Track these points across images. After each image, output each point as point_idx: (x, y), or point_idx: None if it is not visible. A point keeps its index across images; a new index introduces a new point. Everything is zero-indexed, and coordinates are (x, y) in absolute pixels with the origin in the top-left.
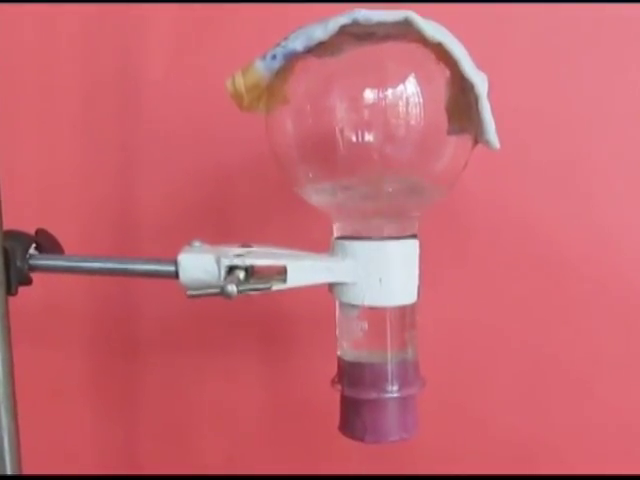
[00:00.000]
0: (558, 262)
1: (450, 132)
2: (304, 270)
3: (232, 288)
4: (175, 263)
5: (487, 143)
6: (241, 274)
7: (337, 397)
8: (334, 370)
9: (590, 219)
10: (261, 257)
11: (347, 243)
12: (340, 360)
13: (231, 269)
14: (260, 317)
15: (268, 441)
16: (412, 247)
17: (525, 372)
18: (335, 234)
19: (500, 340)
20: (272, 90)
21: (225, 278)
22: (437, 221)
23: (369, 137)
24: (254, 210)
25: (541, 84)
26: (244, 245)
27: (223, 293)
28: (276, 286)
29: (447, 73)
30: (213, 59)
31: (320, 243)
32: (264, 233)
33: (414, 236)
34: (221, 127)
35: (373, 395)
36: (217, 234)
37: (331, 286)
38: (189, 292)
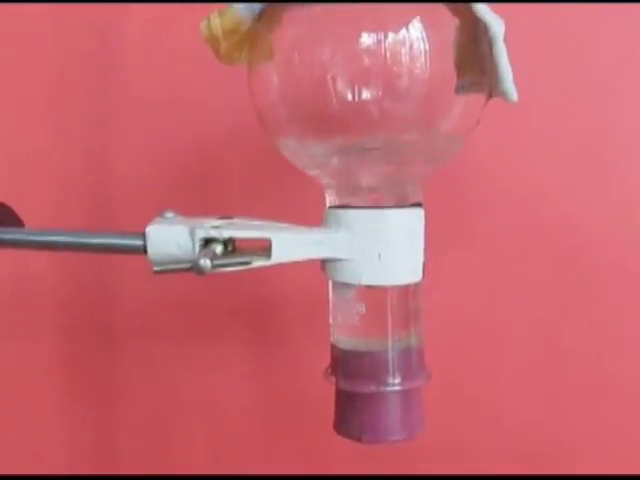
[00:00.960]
0: (577, 244)
1: (459, 90)
2: (291, 244)
3: (205, 262)
4: (143, 236)
5: (503, 95)
6: (218, 248)
7: (333, 390)
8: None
9: (612, 198)
10: (242, 229)
11: (341, 213)
12: (334, 348)
13: (207, 242)
14: (249, 302)
15: (258, 439)
16: (416, 217)
17: (539, 364)
18: (328, 203)
19: (511, 329)
20: (256, 42)
21: (200, 252)
22: (441, 194)
23: (366, 90)
24: (242, 184)
25: (560, 45)
26: (224, 217)
27: (195, 268)
28: (258, 262)
29: (456, 22)
30: (193, 19)
31: (316, 220)
32: (254, 209)
33: (419, 205)
34: (204, 93)
35: (372, 388)
36: (201, 211)
37: (323, 263)
38: (155, 267)
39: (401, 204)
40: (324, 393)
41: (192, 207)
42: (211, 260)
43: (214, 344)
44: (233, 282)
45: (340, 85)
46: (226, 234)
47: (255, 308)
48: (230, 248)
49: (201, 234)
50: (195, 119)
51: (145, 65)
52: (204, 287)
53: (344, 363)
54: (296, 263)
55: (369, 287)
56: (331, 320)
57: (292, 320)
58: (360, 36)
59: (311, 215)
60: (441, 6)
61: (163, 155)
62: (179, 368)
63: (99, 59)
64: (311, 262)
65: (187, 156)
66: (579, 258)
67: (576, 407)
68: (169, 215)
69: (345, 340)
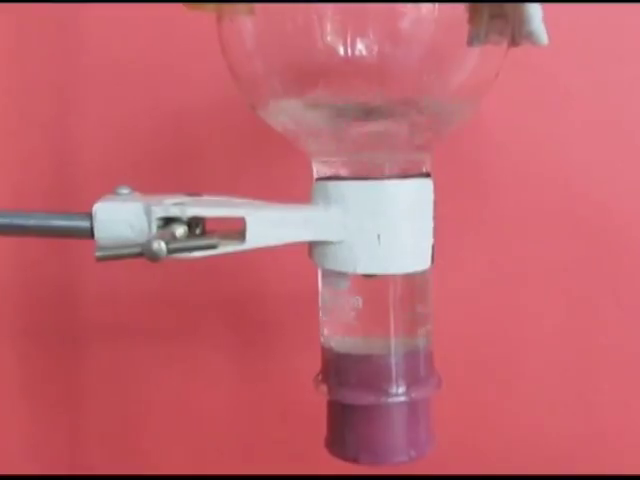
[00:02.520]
0: (607, 227)
1: (474, 40)
2: (270, 224)
3: (159, 245)
4: (89, 217)
5: (531, 36)
6: (179, 229)
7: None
8: None
9: None
10: (210, 206)
11: (331, 185)
12: (325, 351)
13: (168, 223)
14: (232, 297)
15: (241, 448)
16: (424, 190)
17: (564, 364)
18: (316, 175)
19: (531, 323)
20: None
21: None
22: (450, 169)
23: (362, 35)
24: (223, 161)
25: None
26: (191, 194)
27: (146, 253)
28: (229, 246)
29: None
30: None
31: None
32: (236, 189)
33: (426, 175)
34: (178, 56)
35: (371, 400)
36: (175, 190)
37: (311, 248)
38: (97, 253)
39: (405, 174)
40: (319, 401)
41: (165, 186)
42: (167, 243)
43: (192, 344)
44: (214, 274)
45: (329, 28)
46: (190, 212)
47: (239, 303)
48: (199, 231)
49: (159, 212)
50: (168, 86)
51: (111, 26)
52: (181, 279)
53: (337, 369)
54: (276, 248)
55: (367, 276)
56: (321, 317)
57: (282, 317)
58: None
59: (303, 196)
60: None
61: (132, 127)
62: (152, 371)
63: (58, 19)
64: (297, 247)
65: (159, 128)
66: (610, 243)
67: (609, 413)
68: (123, 191)
69: (338, 341)
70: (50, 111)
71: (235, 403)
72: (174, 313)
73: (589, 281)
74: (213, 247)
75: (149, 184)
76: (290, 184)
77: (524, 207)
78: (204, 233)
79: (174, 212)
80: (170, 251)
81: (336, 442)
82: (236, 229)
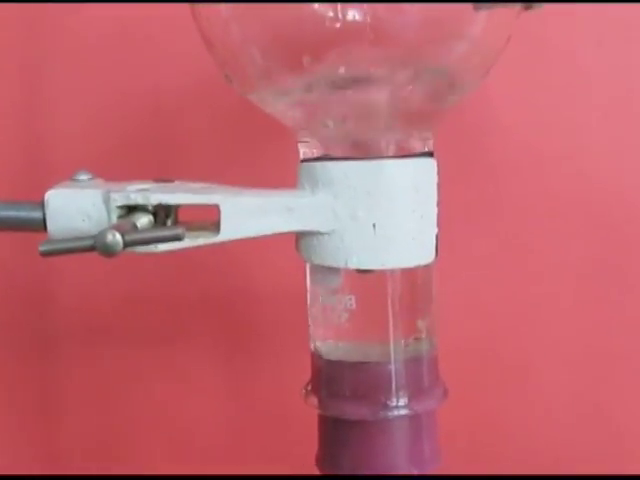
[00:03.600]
0: (624, 215)
1: (478, 6)
2: (249, 213)
3: (113, 237)
4: (42, 205)
5: None
6: (143, 219)
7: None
8: None
9: None
10: (178, 192)
11: (319, 167)
12: (315, 358)
13: (131, 213)
14: (221, 296)
15: (230, 454)
16: (426, 171)
17: (581, 367)
18: (302, 156)
19: (543, 323)
20: None
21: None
22: (454, 152)
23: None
24: (208, 147)
25: None
26: (160, 179)
27: (99, 246)
28: (200, 238)
29: None
30: None
31: None
32: (221, 178)
33: (429, 154)
34: (158, 30)
35: (367, 414)
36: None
37: (298, 240)
38: (41, 247)
39: (404, 154)
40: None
41: (142, 174)
42: (123, 235)
43: (177, 347)
44: (198, 271)
45: None
46: (155, 200)
47: (226, 303)
48: (170, 222)
49: (119, 200)
50: (147, 64)
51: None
52: (164, 278)
53: (329, 379)
54: (263, 240)
55: (361, 272)
56: (310, 320)
57: (273, 317)
58: None
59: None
60: None
61: (108, 108)
62: (134, 376)
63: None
64: (287, 239)
65: (135, 110)
66: (628, 233)
67: (624, 417)
68: (82, 177)
69: (330, 347)
70: (17, 93)
71: (223, 408)
72: (157, 314)
73: (606, 275)
74: (178, 238)
75: (125, 171)
76: (283, 171)
77: (534, 194)
78: (176, 225)
79: (136, 199)
80: (127, 244)
81: (328, 460)
82: (214, 220)
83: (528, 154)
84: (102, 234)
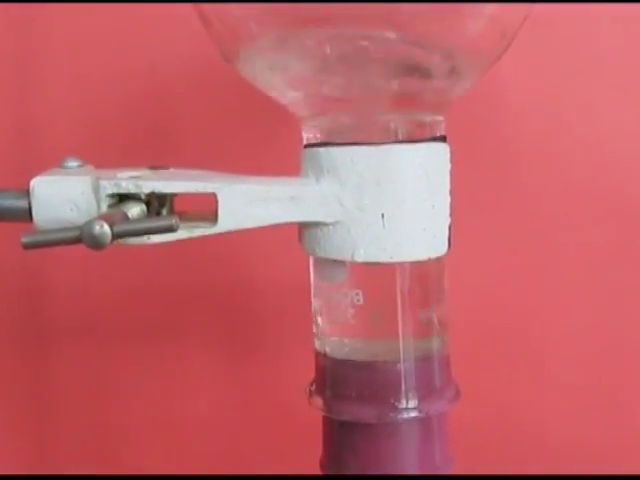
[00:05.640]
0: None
1: None
2: (248, 202)
3: (101, 228)
4: (27, 194)
5: None
6: (135, 209)
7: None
8: None
9: None
10: (173, 180)
11: (324, 152)
12: (320, 357)
13: (122, 202)
14: (219, 290)
15: (230, 453)
16: (439, 157)
17: (597, 361)
18: (305, 141)
19: (560, 319)
20: None
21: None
22: (464, 138)
23: None
24: (206, 132)
25: None
26: (154, 167)
27: (85, 237)
28: (196, 229)
29: None
30: None
31: None
32: (221, 165)
33: (441, 139)
34: (154, 19)
35: (375, 416)
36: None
37: (301, 231)
38: (24, 239)
39: (415, 138)
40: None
41: (136, 159)
42: (112, 225)
43: (176, 343)
44: (199, 264)
45: None
46: (147, 188)
47: (227, 296)
48: (165, 212)
49: (109, 188)
50: (141, 44)
51: None
52: (162, 271)
53: (334, 379)
54: (266, 232)
55: (368, 265)
56: (314, 316)
57: (276, 311)
58: None
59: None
60: None
61: (100, 90)
62: (131, 372)
63: None
64: (291, 230)
65: (131, 92)
66: None
67: None
68: (71, 164)
69: (335, 345)
70: (6, 77)
71: (223, 405)
72: (155, 308)
73: (622, 266)
74: (171, 229)
75: (117, 158)
76: (285, 157)
77: (548, 182)
78: (171, 215)
79: (128, 187)
80: (117, 235)
81: (333, 465)
82: (212, 210)
83: (542, 140)
84: (89, 224)
